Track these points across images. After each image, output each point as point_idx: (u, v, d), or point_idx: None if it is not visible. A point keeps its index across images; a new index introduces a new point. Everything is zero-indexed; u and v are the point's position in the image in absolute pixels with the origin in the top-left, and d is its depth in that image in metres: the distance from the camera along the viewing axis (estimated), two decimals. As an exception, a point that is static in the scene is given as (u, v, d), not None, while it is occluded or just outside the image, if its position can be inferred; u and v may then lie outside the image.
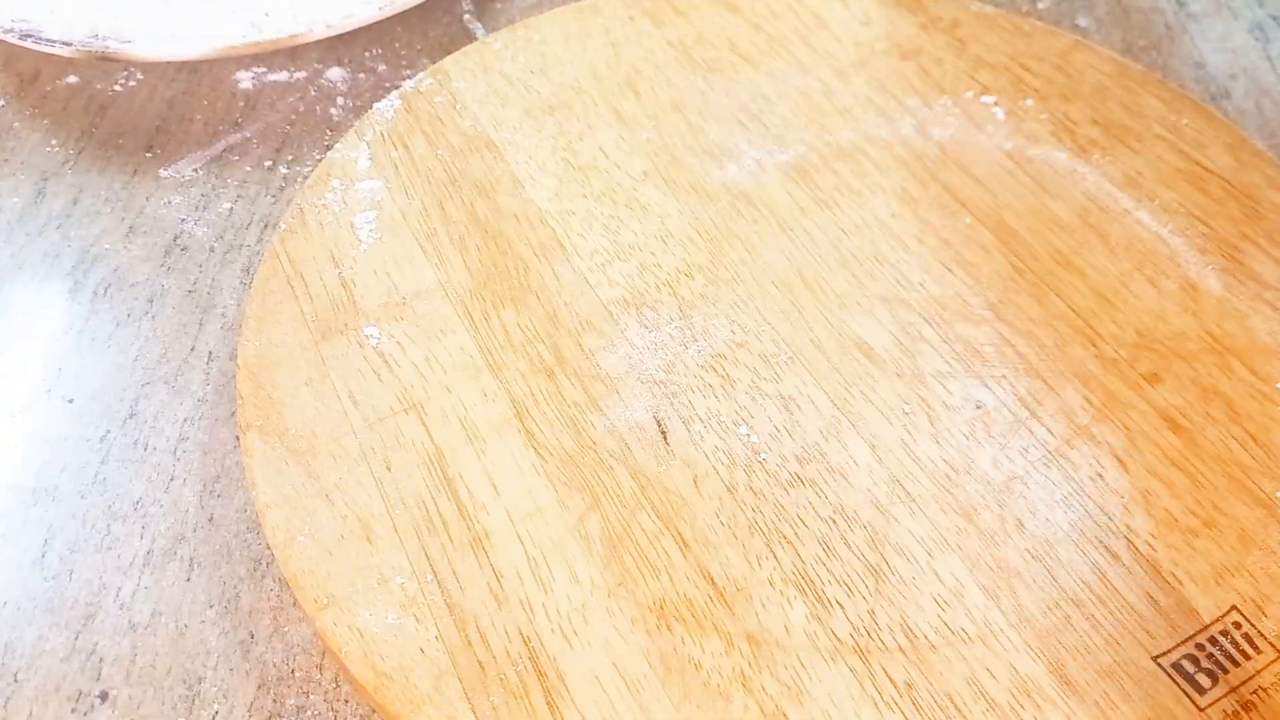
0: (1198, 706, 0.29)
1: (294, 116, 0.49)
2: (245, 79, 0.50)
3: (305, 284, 0.39)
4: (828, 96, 0.45)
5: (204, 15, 0.49)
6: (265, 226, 0.45)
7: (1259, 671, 0.30)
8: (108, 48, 0.47)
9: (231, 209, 0.45)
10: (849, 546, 0.32)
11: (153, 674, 0.33)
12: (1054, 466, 0.34)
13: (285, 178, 0.46)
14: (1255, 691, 0.29)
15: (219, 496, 0.37)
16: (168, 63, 0.49)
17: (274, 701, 0.32)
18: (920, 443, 0.35)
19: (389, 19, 0.49)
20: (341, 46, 0.51)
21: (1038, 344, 0.37)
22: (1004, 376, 0.36)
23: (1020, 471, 0.34)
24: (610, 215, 0.41)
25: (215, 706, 0.32)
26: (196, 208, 0.45)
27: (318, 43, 0.49)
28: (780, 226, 0.41)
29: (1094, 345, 0.37)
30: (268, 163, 0.47)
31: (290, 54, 0.51)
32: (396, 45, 0.52)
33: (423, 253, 0.40)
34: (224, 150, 0.48)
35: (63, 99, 0.50)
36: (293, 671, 0.33)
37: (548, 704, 0.29)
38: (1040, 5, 0.55)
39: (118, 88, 0.50)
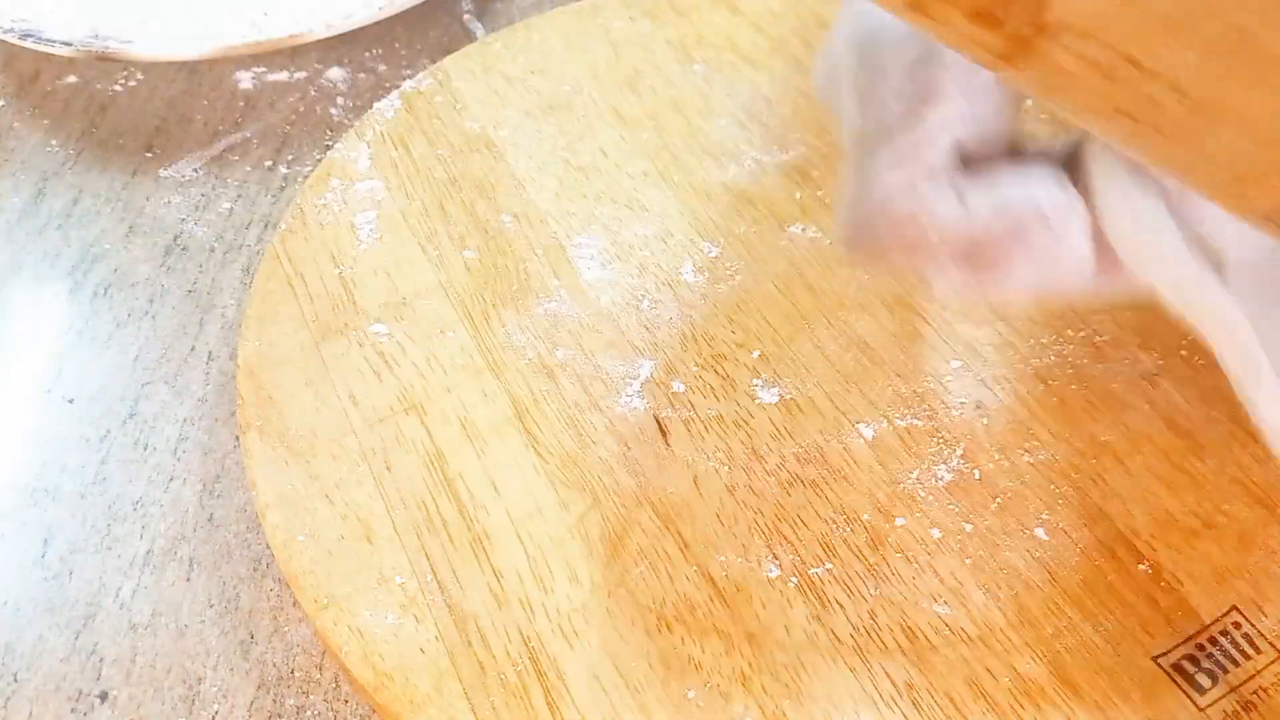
0: (1198, 706, 0.29)
1: (294, 116, 0.49)
2: (245, 79, 0.50)
3: (305, 284, 0.39)
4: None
5: (204, 15, 0.49)
6: (265, 226, 0.45)
7: (1259, 671, 0.30)
8: (108, 48, 0.47)
9: (231, 209, 0.45)
10: (849, 547, 0.32)
11: (153, 674, 0.33)
12: (1054, 466, 0.34)
13: (285, 178, 0.46)
14: (1255, 692, 0.29)
15: (219, 496, 0.37)
16: (168, 63, 0.49)
17: (274, 702, 0.32)
18: (921, 443, 0.35)
19: (389, 19, 0.49)
20: (342, 46, 0.51)
21: (1038, 344, 0.37)
22: (1004, 377, 0.36)
23: (1021, 471, 0.34)
24: (611, 215, 0.41)
25: (215, 706, 0.32)
26: (196, 208, 0.45)
27: (318, 43, 0.49)
28: (781, 226, 0.41)
29: (1094, 345, 0.37)
30: (268, 163, 0.47)
31: (290, 54, 0.51)
32: (396, 45, 0.52)
33: (423, 253, 0.40)
34: (224, 150, 0.48)
35: (63, 99, 0.50)
36: (293, 672, 0.33)
37: (548, 704, 0.29)
38: (1040, 5, 0.55)
39: (118, 88, 0.50)
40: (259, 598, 0.34)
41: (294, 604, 0.34)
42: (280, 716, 0.32)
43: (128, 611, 0.34)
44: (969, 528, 0.33)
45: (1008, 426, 0.35)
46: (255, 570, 0.35)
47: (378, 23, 0.49)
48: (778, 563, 0.32)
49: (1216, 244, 0.24)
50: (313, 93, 0.50)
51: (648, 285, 0.39)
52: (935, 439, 0.35)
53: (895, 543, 0.32)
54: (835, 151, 0.43)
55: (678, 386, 0.36)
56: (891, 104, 0.25)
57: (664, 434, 0.35)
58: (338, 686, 0.33)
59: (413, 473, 0.34)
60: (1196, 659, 0.30)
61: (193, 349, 0.41)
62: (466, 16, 0.54)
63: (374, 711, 0.31)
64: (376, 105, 0.45)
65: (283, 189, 0.46)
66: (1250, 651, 0.30)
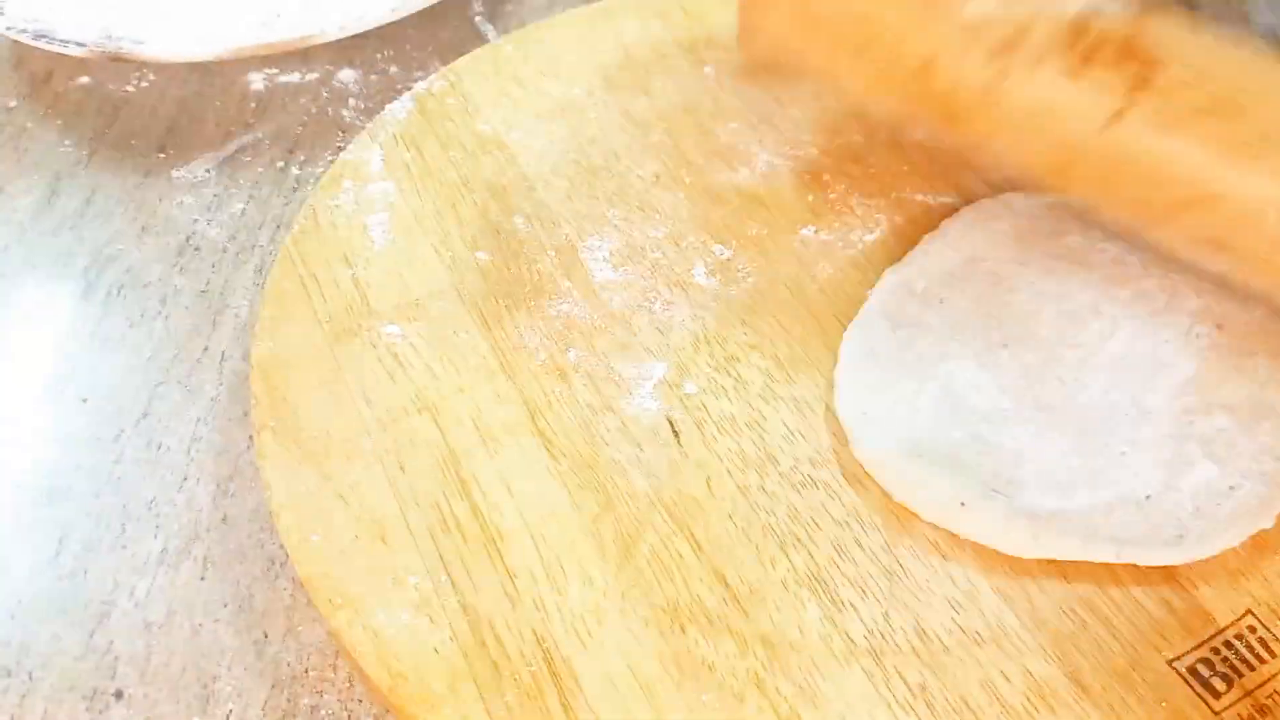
0: (1212, 710, 0.29)
1: (306, 118, 0.49)
2: (257, 80, 0.51)
3: (319, 285, 0.39)
4: (838, 99, 0.45)
5: (216, 16, 0.49)
6: (278, 227, 0.45)
7: (1274, 676, 0.30)
8: (120, 48, 0.47)
9: (244, 210, 0.45)
10: (862, 549, 0.32)
11: (167, 673, 0.33)
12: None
13: (297, 179, 0.47)
14: (1270, 695, 0.29)
15: (232, 496, 0.37)
16: (180, 63, 0.49)
17: (288, 701, 0.32)
18: (933, 445, 0.35)
19: (400, 20, 0.50)
20: (353, 48, 0.51)
21: (1050, 347, 0.37)
22: (1017, 379, 0.36)
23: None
24: (622, 217, 0.41)
25: (229, 705, 0.32)
26: (209, 208, 0.46)
27: (329, 44, 0.49)
28: (792, 228, 0.41)
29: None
30: (280, 164, 0.47)
31: (302, 55, 0.51)
32: (408, 47, 0.52)
33: (435, 254, 0.40)
34: (236, 151, 0.48)
35: (76, 100, 0.50)
36: (307, 671, 0.33)
37: (562, 705, 0.29)
38: (1051, 8, 0.55)
39: (130, 88, 0.50)
40: (273, 597, 0.34)
41: (308, 604, 0.34)
42: (294, 716, 0.32)
43: (142, 610, 0.34)
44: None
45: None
46: (269, 570, 0.35)
47: (389, 24, 0.49)
48: (791, 564, 0.32)
49: None
50: (324, 94, 0.50)
51: (660, 287, 0.39)
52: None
53: (909, 545, 0.32)
54: (847, 153, 0.43)
55: (690, 388, 0.36)
56: None
57: (677, 435, 0.35)
58: (351, 686, 0.33)
59: (426, 473, 0.34)
60: (1211, 663, 0.30)
61: (206, 349, 0.41)
62: (478, 18, 0.54)
63: (388, 711, 0.31)
64: (389, 107, 0.45)
65: (295, 190, 0.46)
66: (1265, 655, 0.30)
